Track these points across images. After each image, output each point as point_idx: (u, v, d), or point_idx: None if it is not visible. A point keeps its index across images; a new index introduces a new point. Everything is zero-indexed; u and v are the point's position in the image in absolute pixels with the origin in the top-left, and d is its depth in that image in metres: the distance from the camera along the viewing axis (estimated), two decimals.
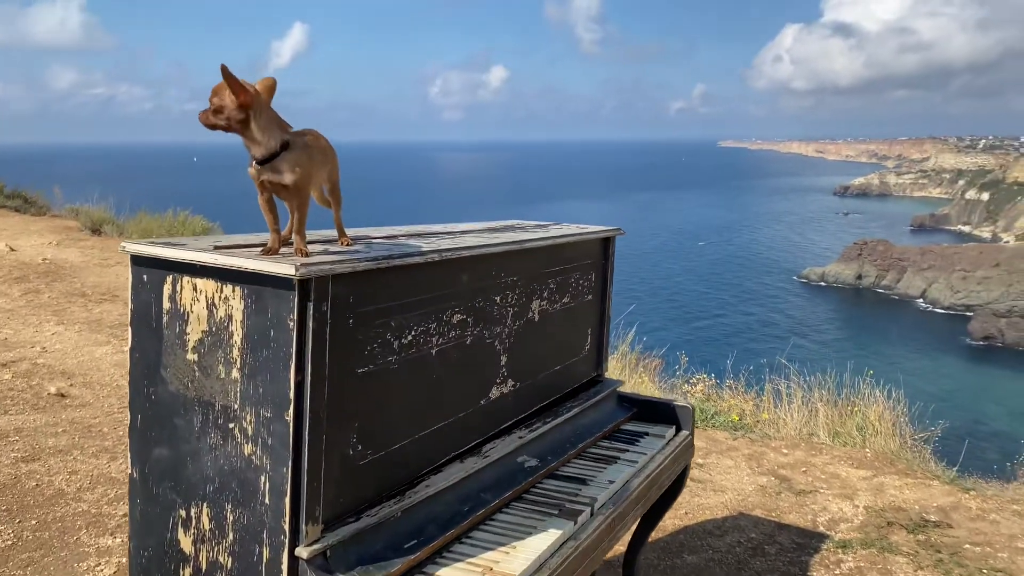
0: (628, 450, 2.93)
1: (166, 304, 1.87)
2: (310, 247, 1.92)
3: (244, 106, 1.74)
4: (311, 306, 1.72)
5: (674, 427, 3.23)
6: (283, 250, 1.89)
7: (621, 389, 3.30)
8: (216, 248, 1.84)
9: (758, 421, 6.99)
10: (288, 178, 1.82)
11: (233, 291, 1.78)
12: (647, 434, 3.13)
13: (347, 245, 2.11)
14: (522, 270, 2.63)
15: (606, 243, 3.27)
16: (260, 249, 1.86)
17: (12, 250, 10.63)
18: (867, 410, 6.91)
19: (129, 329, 1.92)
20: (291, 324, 1.72)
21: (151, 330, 1.89)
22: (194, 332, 1.84)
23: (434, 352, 2.21)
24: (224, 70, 1.71)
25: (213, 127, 1.77)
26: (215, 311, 1.80)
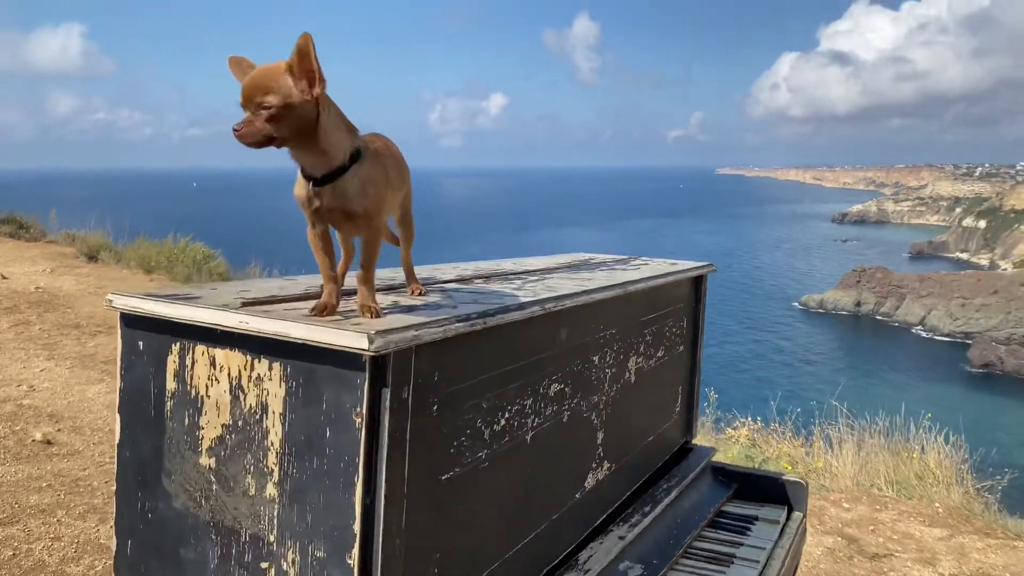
0: (741, 543, 2.35)
1: (171, 384, 1.30)
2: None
3: (316, 101, 1.20)
4: (388, 393, 1.16)
5: (785, 507, 2.65)
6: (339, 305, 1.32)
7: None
8: (245, 305, 1.27)
9: (811, 470, 6.41)
10: (358, 203, 1.26)
11: (270, 369, 1.21)
12: (756, 518, 2.55)
13: (419, 294, 1.55)
14: (620, 320, 2.07)
15: (698, 282, 2.71)
16: (310, 307, 1.29)
17: (4, 278, 10.06)
18: (926, 457, 6.34)
19: (117, 417, 1.35)
20: (358, 419, 1.15)
21: (149, 421, 1.32)
22: (211, 426, 1.27)
23: (529, 438, 1.64)
24: (307, 44, 1.15)
25: (266, 142, 1.19)
26: (243, 397, 1.23)
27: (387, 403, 1.15)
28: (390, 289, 1.60)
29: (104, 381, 6.60)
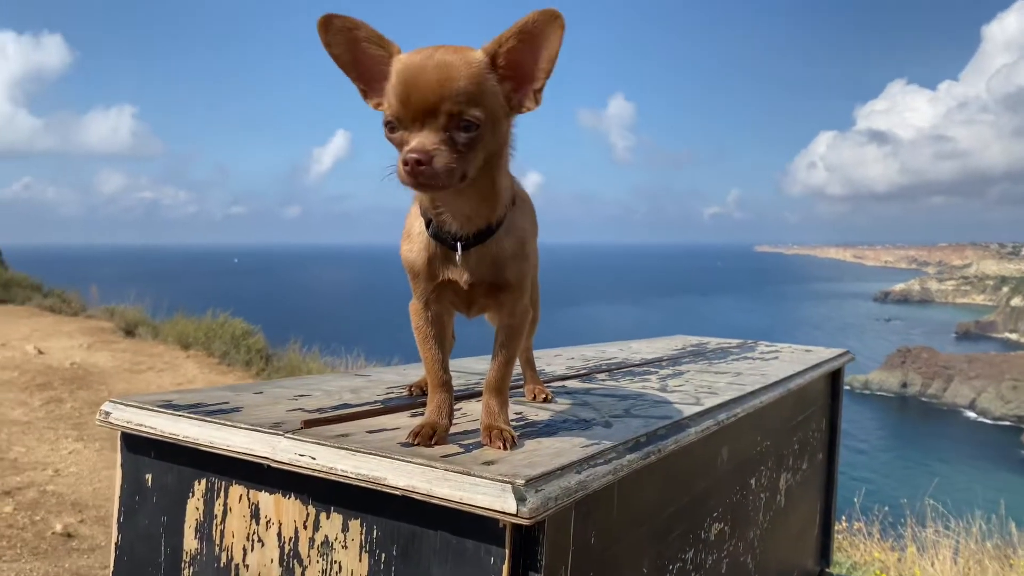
0: None
1: (190, 543, 0.85)
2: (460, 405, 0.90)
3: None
4: None
5: None
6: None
7: None
8: (308, 425, 0.83)
9: None
10: (514, 270, 0.85)
11: (345, 530, 0.76)
12: None
13: (544, 399, 1.10)
14: (775, 427, 1.59)
15: (835, 376, 2.22)
16: (410, 431, 0.84)
17: (40, 353, 9.84)
18: None
19: None
20: None
21: None
22: None
23: None
24: (553, 20, 0.76)
25: (444, 183, 0.76)
26: (300, 572, 0.78)
27: None
28: None
29: None
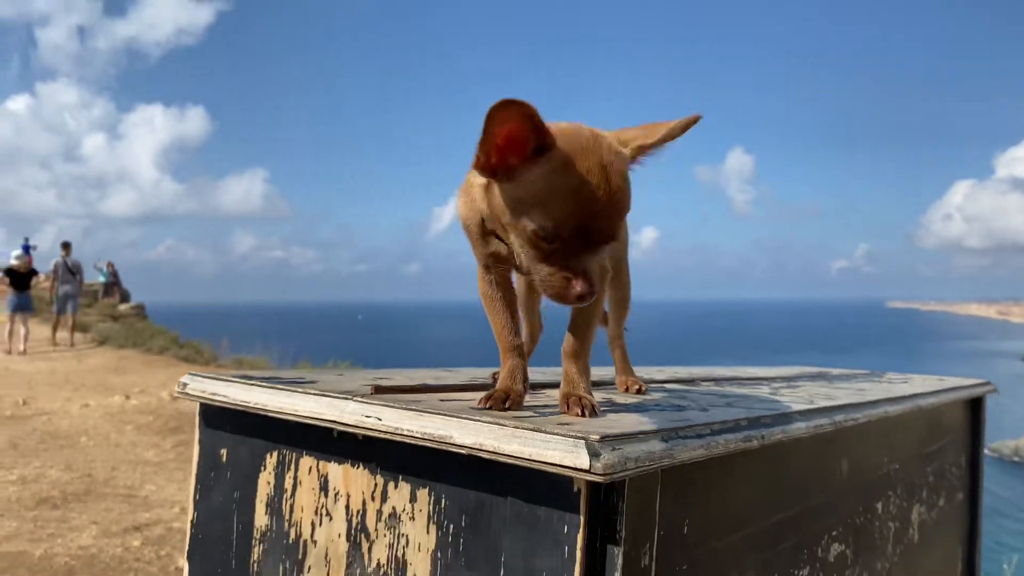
0: None
1: (261, 519, 0.82)
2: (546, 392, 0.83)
3: None
4: (619, 555, 0.62)
5: None
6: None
7: None
8: (378, 391, 0.79)
9: None
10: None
11: (413, 500, 0.71)
12: None
13: (637, 391, 1.03)
14: (904, 450, 1.44)
15: (976, 406, 2.01)
16: (481, 396, 0.78)
17: (174, 399, 10.40)
18: None
19: (185, 568, 0.88)
20: None
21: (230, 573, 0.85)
22: None
23: None
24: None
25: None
26: (367, 547, 0.74)
27: (619, 562, 0.62)
28: (595, 386, 1.08)
29: None
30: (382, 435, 0.70)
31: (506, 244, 0.78)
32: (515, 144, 0.70)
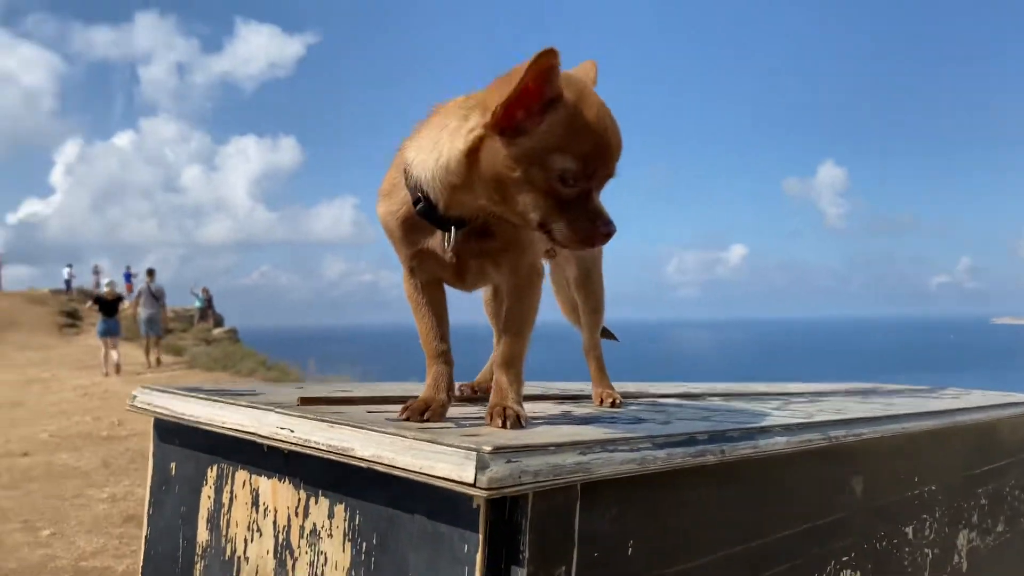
0: None
1: (203, 534, 0.81)
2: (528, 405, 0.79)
3: None
4: (524, 574, 0.58)
5: None
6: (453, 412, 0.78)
7: None
8: (304, 402, 0.77)
9: None
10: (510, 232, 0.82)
11: (330, 516, 0.68)
12: None
13: (611, 404, 0.98)
14: (940, 472, 1.32)
15: None
16: (401, 407, 0.75)
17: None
18: None
19: None
20: None
21: None
22: None
23: None
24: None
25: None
26: (291, 564, 0.71)
27: None
28: (564, 399, 1.03)
29: None
30: (294, 447, 0.67)
31: (481, 217, 0.75)
32: (532, 97, 0.70)
